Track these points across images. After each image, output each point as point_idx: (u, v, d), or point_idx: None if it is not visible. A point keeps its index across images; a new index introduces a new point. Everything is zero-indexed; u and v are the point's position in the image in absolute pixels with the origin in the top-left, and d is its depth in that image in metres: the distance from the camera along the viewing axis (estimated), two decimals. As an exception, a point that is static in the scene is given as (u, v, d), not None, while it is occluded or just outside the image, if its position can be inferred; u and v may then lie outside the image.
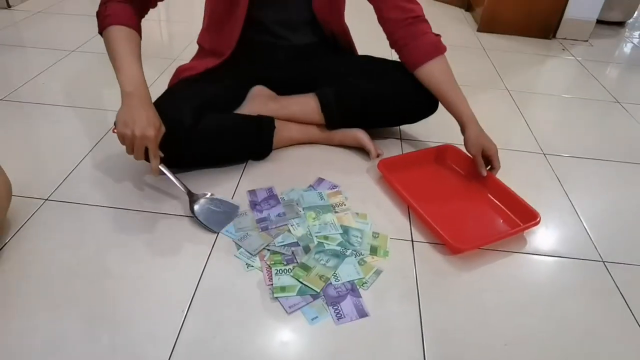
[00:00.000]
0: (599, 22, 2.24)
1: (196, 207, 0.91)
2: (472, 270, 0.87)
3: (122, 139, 0.85)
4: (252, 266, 0.84)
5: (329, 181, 1.07)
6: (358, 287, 0.81)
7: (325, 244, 0.88)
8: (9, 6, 2.05)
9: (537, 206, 0.96)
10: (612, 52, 2.07)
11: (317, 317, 0.75)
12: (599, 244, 0.95)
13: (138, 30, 0.93)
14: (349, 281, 0.82)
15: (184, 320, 0.74)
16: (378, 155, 1.14)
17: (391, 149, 1.21)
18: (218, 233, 0.90)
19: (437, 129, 1.26)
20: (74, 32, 1.85)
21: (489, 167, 1.06)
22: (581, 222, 1.01)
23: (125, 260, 0.84)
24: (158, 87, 0.96)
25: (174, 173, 0.93)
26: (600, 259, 0.92)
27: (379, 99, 1.11)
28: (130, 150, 0.86)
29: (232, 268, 0.84)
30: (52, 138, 1.19)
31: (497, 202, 1.02)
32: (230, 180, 1.05)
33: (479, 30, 2.15)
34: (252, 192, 1.02)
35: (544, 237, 0.96)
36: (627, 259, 0.92)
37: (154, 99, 1.04)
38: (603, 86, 1.69)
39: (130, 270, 0.82)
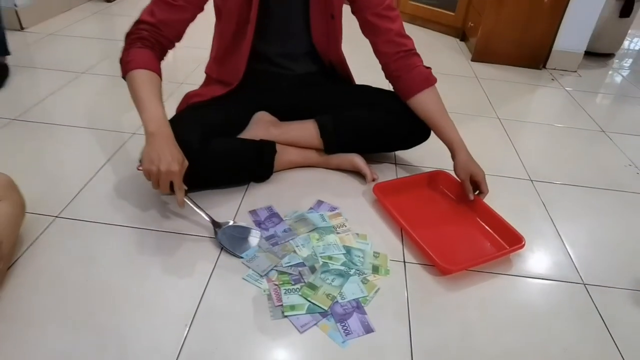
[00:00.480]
0: (588, 53, 2.34)
1: (220, 234, 0.96)
2: (459, 291, 0.91)
3: (149, 175, 0.91)
4: (261, 288, 0.87)
5: (328, 203, 1.12)
6: (362, 304, 0.86)
7: (329, 264, 0.93)
8: (22, 28, 2.14)
9: (523, 230, 1.01)
10: (599, 82, 2.16)
11: (345, 340, 0.79)
12: (580, 267, 1.01)
13: (158, 72, 0.99)
14: (354, 299, 0.86)
15: (186, 334, 0.78)
16: (373, 180, 1.20)
17: (386, 173, 1.27)
18: (221, 250, 0.95)
19: (429, 155, 1.32)
20: (84, 54, 1.93)
21: (478, 192, 1.11)
22: (564, 246, 1.07)
23: (132, 276, 0.89)
24: (167, 109, 1.02)
25: (197, 204, 0.98)
26: (581, 282, 0.97)
27: (375, 127, 1.18)
28: (156, 185, 0.91)
29: (234, 286, 0.88)
30: (62, 157, 1.24)
31: (485, 225, 1.07)
32: (232, 200, 1.11)
33: (472, 59, 2.24)
34: (253, 212, 1.07)
35: (528, 259, 1.01)
36: (607, 282, 0.97)
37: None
38: (590, 116, 1.76)
39: (137, 285, 0.87)
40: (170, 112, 1.00)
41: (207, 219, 0.98)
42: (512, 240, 1.00)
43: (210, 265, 0.92)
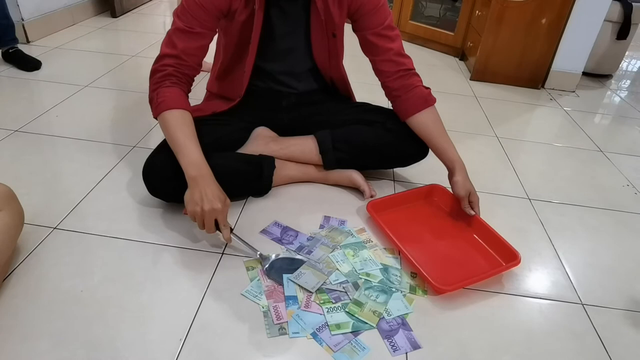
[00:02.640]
0: (586, 74, 2.37)
1: (268, 269, 0.94)
2: (456, 310, 0.91)
3: (194, 216, 0.92)
4: (260, 304, 0.87)
5: (336, 218, 1.13)
6: (406, 320, 0.87)
7: (368, 281, 0.93)
8: (28, 42, 2.17)
9: (520, 249, 1.00)
10: (597, 103, 2.18)
11: None
12: (579, 287, 1.00)
13: (189, 109, 1.01)
14: (399, 315, 0.87)
15: (180, 349, 0.77)
16: (372, 196, 1.20)
17: (384, 189, 1.27)
18: (218, 264, 0.95)
19: (428, 172, 1.32)
20: (88, 68, 1.95)
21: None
22: (562, 265, 1.06)
23: (128, 289, 0.88)
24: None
25: (243, 239, 0.98)
26: (579, 302, 0.96)
27: (373, 144, 1.19)
28: (202, 225, 0.93)
29: (230, 301, 0.88)
30: (63, 169, 1.25)
31: (480, 241, 1.07)
32: (231, 214, 1.10)
33: (471, 78, 2.27)
34: (265, 232, 1.07)
35: (526, 278, 1.01)
36: (605, 303, 0.96)
37: (162, 136, 1.11)
38: (588, 135, 1.78)
39: (132, 298, 0.86)
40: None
41: (255, 254, 0.97)
42: (508, 257, 0.99)
43: (207, 279, 0.92)
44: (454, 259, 1.03)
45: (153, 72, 1.02)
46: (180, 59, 1.00)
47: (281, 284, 0.91)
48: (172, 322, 0.82)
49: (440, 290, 0.92)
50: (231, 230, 0.96)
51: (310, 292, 0.89)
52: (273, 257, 0.96)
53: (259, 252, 0.97)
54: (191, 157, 0.94)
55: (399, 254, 1.03)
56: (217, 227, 0.94)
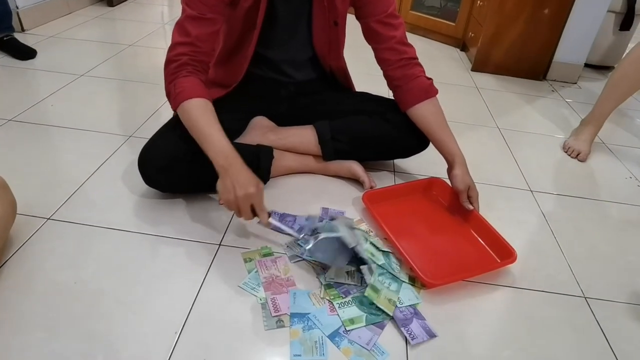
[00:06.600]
0: (588, 65, 2.35)
1: (318, 253, 0.89)
2: (456, 302, 0.89)
3: (228, 204, 0.90)
4: (257, 297, 0.86)
5: (335, 209, 1.11)
6: (418, 309, 0.86)
7: (379, 266, 0.93)
8: (23, 30, 2.14)
9: (522, 241, 0.99)
10: (599, 94, 2.14)
11: None
12: (581, 280, 0.99)
13: (209, 97, 0.98)
14: (410, 305, 0.87)
15: (176, 343, 0.76)
16: (371, 187, 1.18)
17: (384, 181, 1.25)
18: (215, 256, 0.93)
19: (428, 163, 1.30)
20: (83, 57, 1.92)
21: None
22: (564, 258, 1.05)
23: (122, 281, 0.87)
24: (164, 112, 1.01)
25: (284, 224, 0.95)
26: (581, 295, 0.95)
27: (373, 136, 1.17)
28: (238, 212, 0.91)
29: (227, 293, 0.86)
30: (57, 159, 1.23)
31: (477, 237, 1.05)
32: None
33: (472, 69, 2.24)
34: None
35: (527, 271, 0.99)
36: (608, 296, 0.95)
37: (159, 126, 1.09)
38: (590, 127, 1.75)
39: (127, 291, 0.85)
40: (168, 115, 0.99)
41: (299, 236, 0.94)
42: (504, 254, 0.97)
43: (204, 271, 0.91)
44: (448, 254, 1.00)
45: (167, 63, 0.99)
46: (195, 46, 0.97)
47: (327, 264, 0.90)
48: (167, 314, 0.81)
49: (428, 284, 0.90)
50: (269, 214, 0.93)
51: (351, 246, 0.87)
52: (312, 240, 0.91)
53: (302, 234, 0.94)
54: (218, 145, 0.91)
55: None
56: (255, 213, 0.92)
